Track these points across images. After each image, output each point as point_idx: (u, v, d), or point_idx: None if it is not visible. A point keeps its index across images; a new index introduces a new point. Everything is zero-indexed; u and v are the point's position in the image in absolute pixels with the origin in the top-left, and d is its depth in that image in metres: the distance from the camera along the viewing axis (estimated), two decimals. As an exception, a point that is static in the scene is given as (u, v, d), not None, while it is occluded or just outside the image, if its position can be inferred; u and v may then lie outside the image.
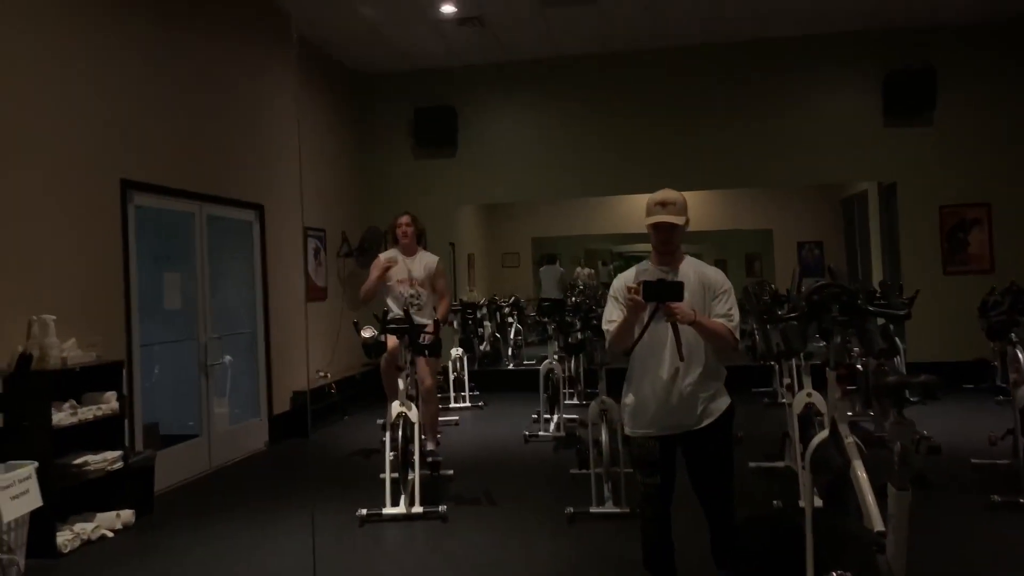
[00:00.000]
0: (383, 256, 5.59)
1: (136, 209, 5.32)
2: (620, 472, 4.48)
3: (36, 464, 3.75)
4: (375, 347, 4.93)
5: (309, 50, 8.31)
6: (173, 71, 5.78)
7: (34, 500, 3.70)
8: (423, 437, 4.97)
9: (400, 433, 4.63)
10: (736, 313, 2.82)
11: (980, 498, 4.34)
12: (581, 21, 8.17)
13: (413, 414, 4.70)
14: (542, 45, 8.91)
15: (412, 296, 5.44)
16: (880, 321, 5.64)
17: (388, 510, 4.53)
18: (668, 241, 2.87)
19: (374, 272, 5.48)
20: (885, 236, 9.72)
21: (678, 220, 2.81)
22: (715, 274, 2.89)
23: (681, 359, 2.67)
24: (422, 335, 4.88)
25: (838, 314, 2.52)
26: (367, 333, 4.83)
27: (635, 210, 11.82)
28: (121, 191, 5.15)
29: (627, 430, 2.98)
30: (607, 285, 13.76)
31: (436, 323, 5.17)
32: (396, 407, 4.67)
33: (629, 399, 2.94)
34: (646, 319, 2.68)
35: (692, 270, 2.87)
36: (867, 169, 9.05)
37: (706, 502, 2.90)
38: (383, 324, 4.82)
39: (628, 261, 15.22)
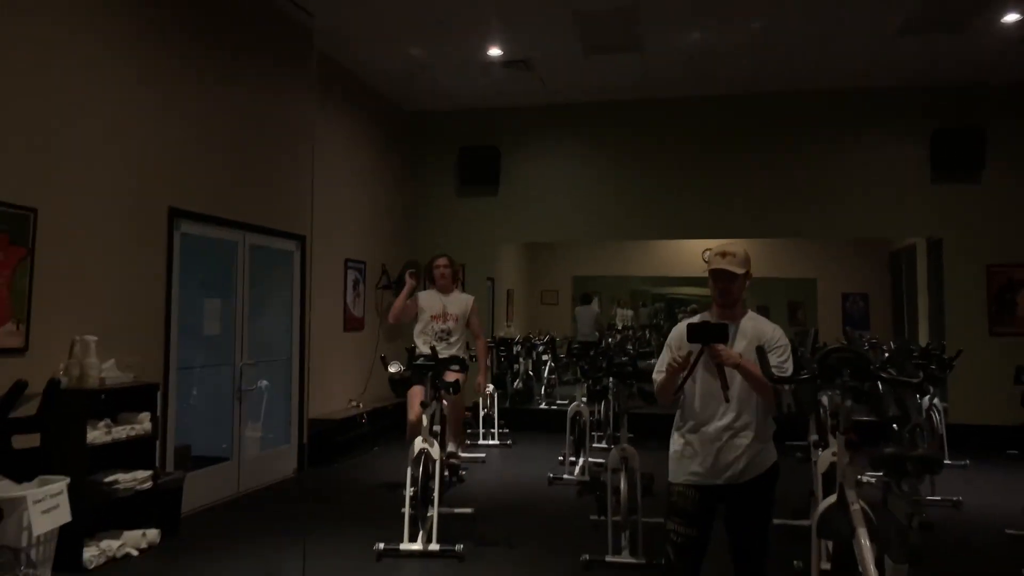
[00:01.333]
0: (420, 295, 5.82)
1: (182, 236, 5.53)
2: (639, 521, 4.44)
3: (68, 480, 3.90)
4: (401, 383, 5.01)
5: (354, 84, 8.56)
6: (222, 105, 6.03)
7: (64, 515, 3.84)
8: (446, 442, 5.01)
9: (420, 469, 4.68)
10: (789, 367, 2.81)
11: (1011, 571, 4.19)
12: (625, 68, 8.28)
13: (435, 451, 4.75)
14: (586, 89, 9.04)
15: (443, 331, 5.63)
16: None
17: (405, 546, 4.56)
18: (727, 292, 2.88)
19: (403, 294, 5.75)
20: (933, 293, 9.52)
21: (738, 269, 2.84)
22: (773, 330, 2.90)
23: (727, 400, 2.71)
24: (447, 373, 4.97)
25: (849, 379, 2.51)
26: (393, 368, 4.92)
27: (677, 253, 11.89)
28: (169, 218, 5.37)
29: (670, 477, 2.97)
30: (646, 327, 13.71)
31: (462, 361, 5.25)
32: (418, 443, 4.73)
33: (675, 447, 2.95)
34: (692, 362, 2.72)
35: (751, 325, 2.90)
36: (913, 224, 8.91)
37: (738, 558, 2.86)
38: (410, 360, 4.91)
39: (669, 304, 15.12)
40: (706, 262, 2.92)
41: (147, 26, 5.22)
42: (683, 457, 2.90)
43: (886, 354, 7.48)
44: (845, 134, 8.90)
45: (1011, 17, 6.77)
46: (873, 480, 5.27)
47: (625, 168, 9.47)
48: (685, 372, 2.73)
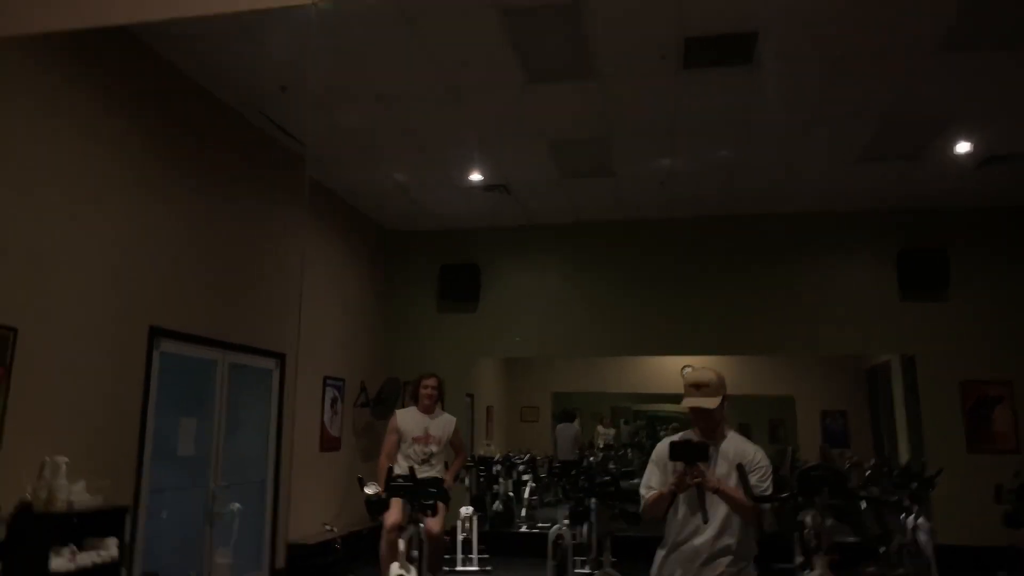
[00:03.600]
0: (398, 413, 5.76)
1: (161, 355, 5.52)
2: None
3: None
4: (377, 505, 4.89)
5: (336, 205, 8.77)
6: (204, 225, 6.14)
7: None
8: None
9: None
10: (768, 489, 2.84)
11: None
12: (599, 191, 8.61)
13: (412, 576, 4.60)
14: (563, 210, 9.35)
15: (426, 454, 5.55)
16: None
17: None
18: (705, 421, 2.95)
19: (390, 440, 5.68)
20: (910, 409, 9.58)
21: (710, 404, 2.90)
22: (755, 452, 2.94)
23: (704, 521, 2.72)
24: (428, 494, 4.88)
25: (828, 497, 2.53)
26: (371, 490, 4.82)
27: (658, 370, 11.93)
28: (149, 337, 5.37)
29: None
30: (627, 446, 13.57)
31: (442, 488, 5.17)
32: (395, 569, 4.58)
33: (656, 564, 2.95)
34: (678, 487, 2.78)
35: (733, 446, 2.95)
36: (886, 342, 9.07)
37: None
38: (387, 482, 4.82)
39: (650, 421, 15.03)
40: (683, 388, 2.98)
41: (135, 145, 5.36)
42: (662, 575, 2.89)
43: (867, 472, 7.44)
44: (814, 254, 9.20)
45: (962, 147, 7.19)
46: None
47: (602, 286, 9.65)
48: (671, 492, 2.78)
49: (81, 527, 4.40)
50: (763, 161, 7.65)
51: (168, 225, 5.68)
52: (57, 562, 4.12)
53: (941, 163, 7.56)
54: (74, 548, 4.28)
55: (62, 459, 4.34)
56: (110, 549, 4.49)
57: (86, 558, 4.32)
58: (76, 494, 4.38)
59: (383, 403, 8.91)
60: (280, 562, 6.89)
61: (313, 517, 7.67)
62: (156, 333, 5.45)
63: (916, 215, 8.91)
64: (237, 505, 6.41)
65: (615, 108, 6.49)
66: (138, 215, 5.38)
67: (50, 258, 4.61)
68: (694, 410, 2.94)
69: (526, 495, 10.57)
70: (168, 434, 5.77)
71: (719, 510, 2.80)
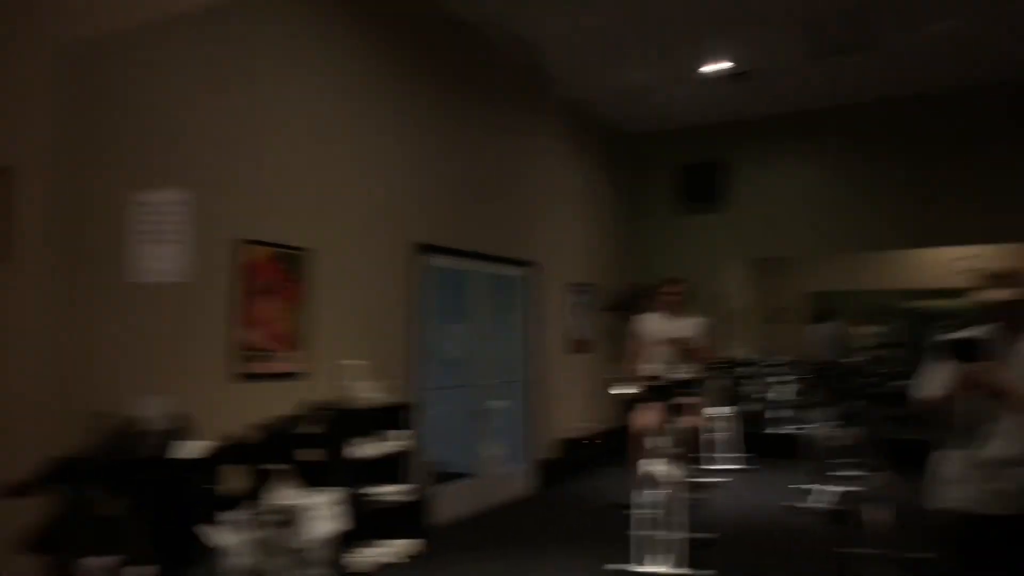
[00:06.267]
0: (641, 318, 5.75)
1: (426, 268, 6.02)
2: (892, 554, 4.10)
3: (343, 490, 4.35)
4: (627, 404, 5.03)
5: (576, 111, 8.77)
6: (457, 144, 6.50)
7: (338, 523, 4.28)
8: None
9: (654, 491, 4.65)
10: None
11: None
12: (856, 69, 7.76)
13: (670, 472, 4.70)
14: (814, 95, 8.60)
15: (670, 356, 5.53)
16: None
17: (639, 568, 4.54)
18: (1008, 318, 2.62)
19: (633, 344, 5.71)
20: None
21: (1006, 296, 2.58)
22: None
23: (994, 427, 2.50)
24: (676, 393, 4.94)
25: None
26: (620, 389, 4.96)
27: (925, 264, 10.73)
28: (415, 253, 5.88)
29: (935, 502, 2.78)
30: (895, 346, 12.51)
31: (693, 384, 5.18)
32: (647, 464, 4.71)
33: (941, 469, 2.76)
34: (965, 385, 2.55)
35: None
36: None
37: None
38: (636, 381, 4.92)
39: (920, 318, 13.73)
40: (977, 283, 2.67)
41: (395, 81, 5.81)
42: (946, 480, 2.70)
43: None
44: None
45: None
46: None
47: (860, 175, 8.84)
48: (956, 394, 2.54)
49: (375, 421, 5.02)
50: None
51: (426, 148, 6.10)
52: (362, 449, 4.77)
53: None
54: (371, 439, 4.92)
55: (360, 363, 4.97)
56: (400, 440, 5.09)
57: (382, 448, 4.95)
58: (370, 392, 5.00)
59: (626, 307, 9.01)
60: (544, 454, 7.39)
61: (566, 415, 8.08)
62: (420, 249, 5.94)
63: None
64: (502, 402, 6.95)
65: (875, -30, 5.75)
66: (400, 142, 5.83)
67: (336, 190, 5.19)
68: (998, 303, 2.62)
69: (785, 397, 10.27)
70: (436, 339, 6.34)
71: (1013, 415, 2.50)
